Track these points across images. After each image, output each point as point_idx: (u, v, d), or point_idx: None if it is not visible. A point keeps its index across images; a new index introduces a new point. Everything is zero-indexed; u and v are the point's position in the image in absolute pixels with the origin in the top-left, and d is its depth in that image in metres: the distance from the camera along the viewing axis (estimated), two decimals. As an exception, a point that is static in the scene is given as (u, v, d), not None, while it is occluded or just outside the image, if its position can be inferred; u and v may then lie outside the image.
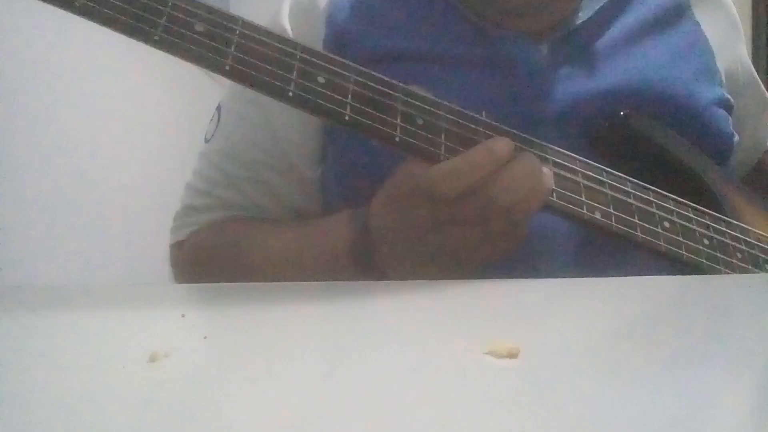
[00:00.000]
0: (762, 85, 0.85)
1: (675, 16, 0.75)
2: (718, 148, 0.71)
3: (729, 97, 0.74)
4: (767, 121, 0.86)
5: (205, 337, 0.40)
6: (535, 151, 0.57)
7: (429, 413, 0.27)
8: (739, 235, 0.65)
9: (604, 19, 0.72)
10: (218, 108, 0.77)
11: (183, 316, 0.43)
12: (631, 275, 0.51)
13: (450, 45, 0.69)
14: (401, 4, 0.72)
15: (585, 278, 0.53)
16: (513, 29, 0.69)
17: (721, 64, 0.76)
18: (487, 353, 0.33)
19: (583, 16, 0.71)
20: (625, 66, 0.70)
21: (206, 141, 0.77)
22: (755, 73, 0.84)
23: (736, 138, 0.74)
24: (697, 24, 0.75)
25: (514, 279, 0.50)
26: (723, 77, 0.75)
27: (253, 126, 0.73)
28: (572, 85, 0.68)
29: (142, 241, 0.76)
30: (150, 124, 1.83)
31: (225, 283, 0.55)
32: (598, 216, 0.58)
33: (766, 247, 0.66)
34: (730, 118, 0.74)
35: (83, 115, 1.58)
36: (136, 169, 1.71)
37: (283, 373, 0.33)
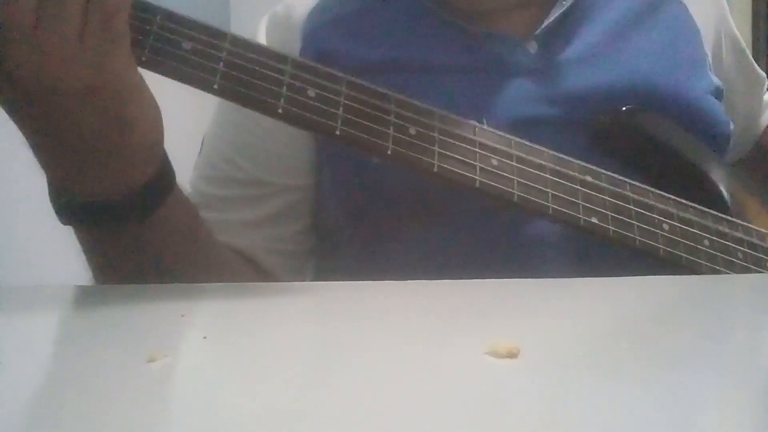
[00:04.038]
0: (751, 58, 0.82)
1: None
2: (716, 138, 0.70)
3: (719, 83, 0.73)
4: (759, 95, 0.84)
5: (205, 337, 0.40)
6: (531, 157, 0.57)
7: (429, 413, 0.27)
8: (741, 236, 0.64)
9: (586, 11, 0.71)
10: (203, 139, 0.75)
11: (183, 316, 0.43)
12: (630, 275, 0.51)
13: (437, 52, 0.68)
14: (383, 15, 0.70)
15: (585, 278, 0.53)
16: (498, 30, 0.69)
17: (708, 44, 0.74)
18: (487, 353, 0.33)
19: (561, 8, 0.70)
20: (617, 60, 0.68)
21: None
22: (743, 45, 0.81)
23: (732, 125, 0.73)
24: (682, 5, 0.74)
25: (514, 279, 0.50)
26: (710, 59, 0.74)
27: (229, 144, 0.71)
28: (566, 83, 0.67)
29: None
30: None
31: (225, 283, 0.55)
32: (595, 221, 0.57)
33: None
34: (722, 105, 0.73)
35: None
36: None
37: (282, 373, 0.33)
